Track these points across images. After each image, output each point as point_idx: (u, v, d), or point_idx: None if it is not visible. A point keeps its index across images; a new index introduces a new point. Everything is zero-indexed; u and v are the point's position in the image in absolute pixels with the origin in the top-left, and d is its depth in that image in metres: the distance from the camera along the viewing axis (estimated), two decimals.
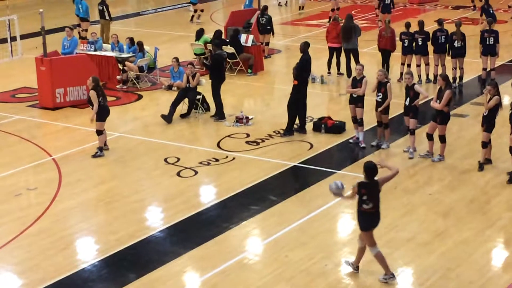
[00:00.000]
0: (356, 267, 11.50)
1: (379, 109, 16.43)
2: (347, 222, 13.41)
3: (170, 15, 34.62)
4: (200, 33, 24.10)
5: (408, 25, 21.77)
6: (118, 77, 22.32)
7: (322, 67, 22.63)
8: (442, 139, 15.86)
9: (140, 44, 22.36)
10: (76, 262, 12.12)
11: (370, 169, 11.14)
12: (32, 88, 21.62)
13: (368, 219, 11.18)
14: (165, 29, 30.92)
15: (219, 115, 18.91)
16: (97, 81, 16.45)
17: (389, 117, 16.74)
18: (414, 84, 16.09)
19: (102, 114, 16.46)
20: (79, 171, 15.84)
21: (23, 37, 22.44)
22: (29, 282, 11.45)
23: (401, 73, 21.40)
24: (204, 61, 19.05)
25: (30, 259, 12.17)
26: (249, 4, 28.24)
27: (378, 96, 16.43)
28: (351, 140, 17.16)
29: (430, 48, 21.47)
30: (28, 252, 12.41)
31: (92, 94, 16.25)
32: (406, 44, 21.65)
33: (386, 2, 28.48)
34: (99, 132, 16.53)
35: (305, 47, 17.85)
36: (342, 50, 22.47)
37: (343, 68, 22.59)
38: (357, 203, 11.23)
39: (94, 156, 16.45)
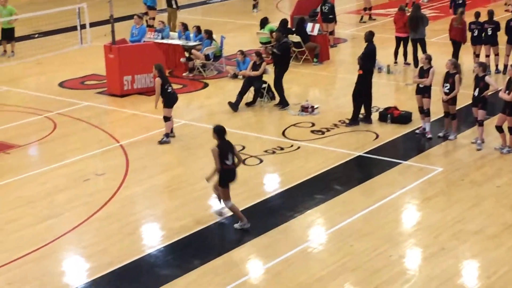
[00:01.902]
0: (246, 222, 12.60)
1: (446, 98, 16.23)
2: (412, 213, 13.31)
3: (236, 4, 34.72)
4: (264, 22, 24.12)
5: (477, 15, 21.44)
6: (182, 59, 22.47)
7: (388, 56, 22.45)
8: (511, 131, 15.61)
9: (209, 33, 22.46)
10: (142, 247, 12.29)
11: (222, 130, 12.48)
12: (101, 75, 21.96)
13: (229, 175, 12.46)
14: (230, 17, 31.04)
15: (283, 103, 18.91)
16: (160, 69, 16.56)
17: (457, 108, 16.53)
18: (484, 75, 15.85)
19: (170, 101, 16.62)
20: (146, 158, 16.04)
21: (92, 25, 22.79)
22: (96, 266, 11.66)
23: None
24: (274, 49, 19.02)
25: (98, 243, 12.38)
26: None
27: (445, 86, 16.23)
28: (417, 131, 17.00)
29: (500, 38, 21.09)
30: (96, 237, 12.64)
31: (157, 81, 16.40)
32: (475, 34, 21.33)
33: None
34: (166, 119, 16.70)
35: (369, 36, 17.72)
36: (409, 40, 22.25)
37: (410, 58, 22.36)
38: (220, 164, 12.24)
39: (161, 142, 16.63)
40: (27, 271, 11.52)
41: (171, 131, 16.93)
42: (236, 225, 12.70)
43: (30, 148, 17.02)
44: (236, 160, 12.64)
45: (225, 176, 12.50)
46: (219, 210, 13.17)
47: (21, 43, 26.25)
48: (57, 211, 13.57)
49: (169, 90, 16.57)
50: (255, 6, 32.43)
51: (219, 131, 12.50)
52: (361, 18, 29.46)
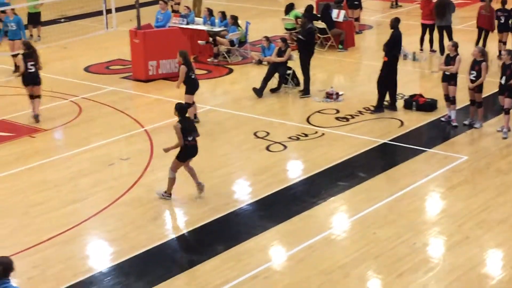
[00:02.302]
0: (169, 194, 13.22)
1: (472, 86, 16.11)
2: (436, 201, 13.25)
3: None
4: (289, 8, 24.04)
5: (504, 2, 21.24)
6: (200, 42, 22.47)
7: (414, 44, 22.31)
8: None
9: (235, 18, 22.44)
10: (166, 232, 12.35)
11: (184, 108, 13.19)
12: (126, 60, 22.02)
13: (190, 151, 13.11)
14: (255, 3, 30.95)
15: (305, 90, 18.86)
16: (185, 55, 16.56)
17: (483, 96, 16.41)
18: (511, 63, 15.70)
19: (192, 88, 16.64)
20: (170, 143, 16.00)
21: (118, 10, 22.80)
22: (120, 250, 11.73)
23: (500, 51, 20.90)
24: (299, 35, 18.95)
25: (122, 228, 12.45)
26: None
27: (471, 74, 16.11)
28: (443, 119, 16.89)
29: None
30: (120, 221, 12.71)
31: (182, 68, 16.38)
32: (502, 21, 21.15)
33: None
34: (188, 105, 16.70)
35: (395, 23, 17.61)
36: (435, 27, 22.09)
37: (435, 45, 22.20)
38: (183, 140, 12.85)
39: None
40: (51, 254, 11.61)
41: (195, 117, 16.94)
42: (158, 192, 13.35)
43: (55, 132, 17.13)
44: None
45: (186, 152, 13.14)
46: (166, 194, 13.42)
47: (47, 27, 26.38)
48: (82, 195, 13.66)
49: (192, 77, 16.58)
50: None
51: (181, 109, 13.14)
52: (391, 4, 29.34)
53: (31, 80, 17.45)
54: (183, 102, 16.65)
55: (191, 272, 11.07)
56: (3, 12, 24.61)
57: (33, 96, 17.51)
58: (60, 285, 10.81)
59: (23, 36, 21.37)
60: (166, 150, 13.43)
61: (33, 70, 17.46)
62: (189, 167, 13.45)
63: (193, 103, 16.82)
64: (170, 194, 13.32)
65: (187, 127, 13.05)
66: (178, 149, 13.18)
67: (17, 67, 21.27)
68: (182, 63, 16.51)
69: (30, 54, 17.57)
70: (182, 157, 13.19)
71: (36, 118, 17.47)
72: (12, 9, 21.87)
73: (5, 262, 7.92)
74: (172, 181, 13.26)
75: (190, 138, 13.06)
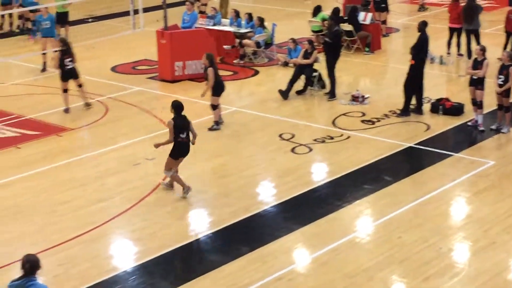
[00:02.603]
0: (187, 188, 13.42)
1: (499, 90, 16.01)
2: (462, 206, 13.17)
3: None
4: (317, 10, 24.02)
5: None
6: (225, 46, 22.52)
7: (441, 47, 22.20)
8: None
9: (261, 20, 22.46)
10: (191, 232, 12.38)
11: (179, 106, 13.17)
12: (152, 60, 22.12)
13: (181, 148, 13.25)
14: (282, 5, 30.96)
15: (331, 93, 18.83)
16: (212, 58, 16.56)
17: (511, 100, 16.29)
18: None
19: (217, 89, 16.65)
20: (195, 144, 16.07)
21: (145, 10, 22.89)
22: (145, 249, 11.77)
23: None
24: (325, 38, 18.93)
25: (147, 227, 12.51)
26: None
27: (499, 78, 16.01)
28: (469, 123, 16.80)
29: None
30: (145, 220, 12.76)
31: (211, 71, 16.39)
32: None
33: None
34: (214, 107, 16.76)
35: (422, 26, 17.53)
36: (463, 31, 21.97)
37: (463, 49, 22.09)
38: (174, 136, 13.08)
39: (211, 129, 16.71)
40: (77, 253, 11.69)
41: (220, 118, 16.98)
42: (180, 195, 13.49)
43: (82, 131, 17.25)
44: (191, 136, 13.47)
45: (177, 149, 13.30)
46: (168, 183, 13.82)
47: (74, 27, 26.54)
48: (108, 194, 13.73)
49: (217, 79, 16.61)
50: None
51: (177, 107, 13.24)
52: (419, 7, 29.27)
53: (69, 75, 18.15)
54: (210, 103, 16.76)
55: (216, 272, 11.08)
56: (34, 11, 24.93)
57: (67, 91, 18.22)
58: (85, 283, 10.87)
59: (55, 34, 21.69)
60: (157, 146, 13.68)
61: (70, 66, 18.07)
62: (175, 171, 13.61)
63: (219, 105, 16.84)
64: (188, 187, 13.46)
65: (180, 124, 13.19)
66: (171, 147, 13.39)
67: (46, 65, 21.54)
68: (209, 66, 16.51)
69: (67, 50, 18.09)
70: (174, 154, 13.36)
71: (88, 105, 18.35)
72: (46, 8, 22.13)
73: (32, 260, 7.98)
74: (174, 178, 13.45)
75: (183, 136, 13.24)
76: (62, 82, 18.22)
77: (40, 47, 22.32)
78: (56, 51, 21.07)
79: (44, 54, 21.76)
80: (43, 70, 21.78)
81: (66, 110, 18.22)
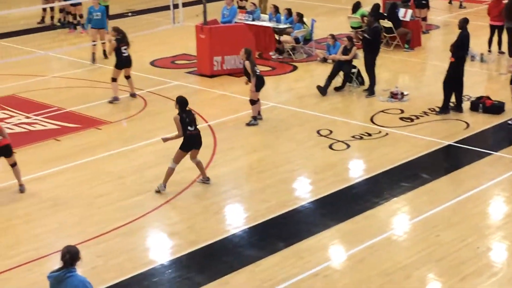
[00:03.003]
0: (206, 178, 13.71)
1: None
2: (501, 206, 13.05)
3: None
4: (357, 6, 23.92)
5: None
6: (271, 53, 22.56)
7: (482, 45, 21.99)
8: None
9: (300, 16, 22.43)
10: (228, 227, 12.42)
11: (184, 102, 13.32)
12: (191, 55, 22.20)
13: (192, 140, 13.33)
14: (321, 1, 30.87)
15: (370, 90, 18.75)
16: (249, 53, 16.59)
17: None
18: None
19: (257, 84, 16.67)
20: (233, 139, 16.17)
21: (184, 4, 23.00)
22: (182, 243, 11.84)
23: None
24: (365, 34, 18.84)
25: (184, 221, 12.57)
26: None
27: None
28: (510, 122, 16.62)
29: None
30: (182, 214, 12.83)
31: (247, 64, 16.46)
32: None
33: None
34: (253, 102, 16.78)
35: (463, 23, 17.37)
36: (504, 29, 21.73)
37: (504, 47, 21.84)
38: (183, 130, 13.17)
39: (248, 124, 16.73)
40: (115, 245, 11.79)
41: (259, 114, 17.00)
42: (158, 186, 13.51)
43: (120, 124, 17.37)
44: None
45: (188, 142, 13.37)
46: (203, 179, 13.91)
47: (114, 21, 26.69)
48: (146, 188, 13.81)
49: (257, 73, 16.63)
50: None
51: (181, 102, 13.35)
52: (460, 4, 29.03)
53: (126, 63, 18.61)
54: (249, 98, 16.75)
55: (252, 267, 11.11)
56: (75, 5, 25.19)
57: (116, 80, 18.59)
58: (122, 275, 10.96)
59: (106, 26, 21.92)
60: (165, 140, 13.74)
61: (126, 54, 18.54)
62: (196, 160, 13.68)
63: (258, 100, 16.86)
64: (165, 186, 13.52)
65: (186, 118, 13.25)
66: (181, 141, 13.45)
67: (95, 57, 21.78)
68: (245, 59, 16.53)
69: (122, 38, 18.53)
70: (185, 147, 13.40)
71: (134, 96, 18.80)
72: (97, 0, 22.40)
73: (73, 251, 8.07)
74: (170, 171, 13.46)
75: (191, 128, 13.31)
76: (116, 70, 18.55)
77: (89, 38, 22.54)
78: (103, 42, 21.53)
79: (94, 45, 22.01)
80: (93, 61, 21.99)
81: (116, 99, 18.53)
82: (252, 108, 16.86)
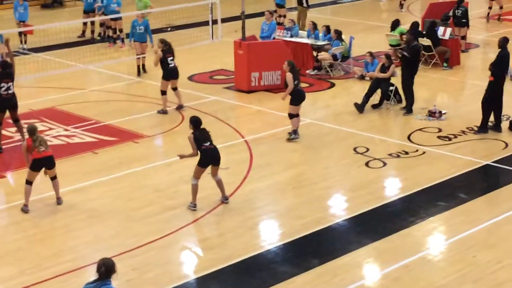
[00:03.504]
0: (225, 197, 13.69)
1: None
2: None
3: (366, 5, 34.45)
4: (395, 24, 23.88)
5: None
6: (307, 71, 22.58)
7: None
8: None
9: (338, 33, 22.43)
10: (262, 242, 12.42)
11: (198, 121, 13.47)
12: (229, 70, 22.29)
13: (208, 155, 13.34)
14: (360, 18, 30.86)
15: (408, 108, 18.67)
16: (292, 65, 16.65)
17: None
18: None
19: (296, 99, 16.67)
20: (269, 154, 16.18)
21: (223, 20, 23.13)
22: (216, 258, 11.86)
23: None
24: (404, 52, 18.78)
25: (219, 236, 12.61)
26: None
27: None
28: None
29: None
30: (217, 230, 12.87)
31: (288, 76, 16.46)
32: None
33: None
34: (291, 116, 16.75)
35: (503, 42, 17.25)
36: None
37: None
38: (198, 147, 13.22)
39: (289, 139, 16.65)
40: (150, 258, 11.85)
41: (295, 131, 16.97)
42: (189, 206, 13.53)
43: (158, 138, 17.50)
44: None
45: (204, 157, 13.38)
46: (222, 198, 13.86)
47: (154, 35, 26.87)
48: (181, 202, 13.87)
49: (298, 88, 16.64)
50: (401, 5, 32.30)
51: (195, 122, 13.50)
52: (498, 18, 28.96)
53: (172, 74, 18.80)
54: (288, 112, 16.71)
55: (285, 284, 11.09)
56: (115, 19, 25.50)
57: (165, 92, 18.81)
58: None
59: (150, 39, 22.06)
60: (181, 157, 13.76)
61: (172, 64, 18.70)
62: (217, 177, 13.67)
63: (297, 115, 16.84)
64: (195, 204, 13.50)
65: (200, 136, 13.33)
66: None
67: (140, 70, 21.97)
68: (287, 72, 16.53)
69: (168, 49, 18.65)
70: (202, 163, 13.40)
71: (181, 107, 19.08)
72: (142, 14, 22.52)
73: (108, 264, 8.13)
74: (194, 188, 13.46)
75: (206, 144, 13.33)
76: (164, 81, 18.75)
77: (128, 52, 22.71)
78: (144, 56, 21.64)
79: (138, 58, 22.21)
80: (139, 74, 22.21)
81: (164, 112, 18.78)
82: (291, 122, 16.80)
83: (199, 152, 13.38)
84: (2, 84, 15.98)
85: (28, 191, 13.41)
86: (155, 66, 18.94)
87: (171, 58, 18.64)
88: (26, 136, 13.81)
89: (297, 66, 22.16)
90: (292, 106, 16.71)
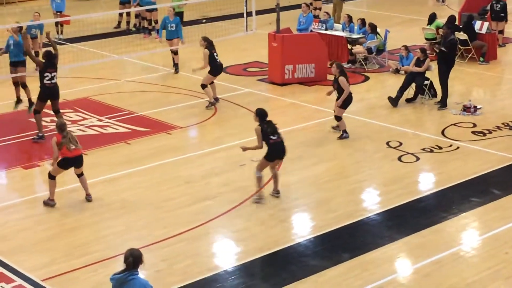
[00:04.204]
0: (277, 191, 13.51)
1: None
2: None
3: None
4: (432, 18, 23.65)
5: None
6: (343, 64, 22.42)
7: None
8: None
9: (373, 27, 22.28)
10: (293, 235, 12.38)
11: (264, 114, 13.21)
12: (263, 63, 22.25)
13: (276, 149, 13.20)
14: (397, 11, 30.62)
15: (442, 103, 18.48)
16: (341, 67, 16.32)
17: None
18: None
19: (346, 102, 16.34)
20: (302, 147, 16.12)
21: (258, 12, 23.05)
22: (247, 250, 11.85)
23: None
24: (441, 47, 18.55)
25: (250, 228, 12.58)
26: None
27: None
28: None
29: None
30: (248, 221, 12.84)
31: (342, 80, 16.08)
32: None
33: None
34: (338, 118, 16.45)
35: None
36: None
37: None
38: (266, 141, 13.10)
39: (340, 137, 16.40)
40: (180, 249, 11.87)
41: (345, 131, 16.59)
42: (255, 199, 13.40)
43: (190, 130, 17.53)
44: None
45: (272, 150, 13.23)
46: (274, 191, 13.71)
47: (189, 27, 26.97)
48: (213, 193, 13.89)
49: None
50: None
51: (261, 114, 13.25)
52: None
53: (220, 69, 18.92)
54: (335, 115, 16.37)
55: (316, 277, 11.04)
56: (150, 10, 25.58)
57: (209, 84, 18.82)
58: (186, 280, 11.03)
59: (180, 36, 21.94)
60: (244, 149, 13.62)
61: (218, 60, 18.74)
62: (275, 171, 13.59)
63: (341, 119, 16.58)
64: (261, 196, 13.46)
65: (267, 129, 13.16)
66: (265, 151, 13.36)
67: (176, 65, 21.93)
68: (339, 75, 16.18)
69: (211, 45, 18.66)
70: (269, 156, 13.29)
71: (217, 100, 18.93)
72: (173, 10, 22.40)
73: (136, 254, 8.12)
74: (259, 179, 13.37)
75: (274, 137, 13.18)
76: (210, 76, 18.71)
77: (162, 45, 22.67)
78: (176, 54, 21.50)
79: (174, 53, 22.04)
80: (176, 71, 22.07)
81: (213, 103, 18.74)
82: (339, 124, 16.54)
83: (265, 144, 13.25)
84: (46, 74, 16.11)
85: (53, 185, 13.32)
86: (205, 67, 18.65)
87: (216, 53, 18.62)
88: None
89: (332, 59, 22.19)
90: (341, 109, 16.38)
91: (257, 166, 13.42)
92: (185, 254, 11.72)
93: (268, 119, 13.35)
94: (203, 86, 18.71)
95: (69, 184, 14.11)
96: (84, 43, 25.64)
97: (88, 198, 13.59)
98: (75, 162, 13.30)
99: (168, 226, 12.64)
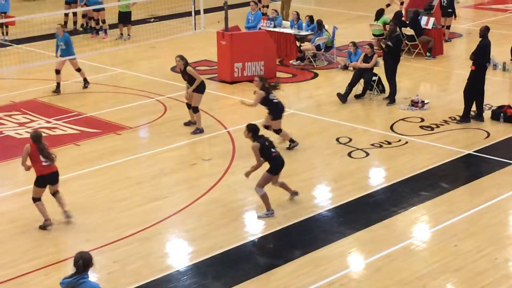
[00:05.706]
0: (295, 192, 13.42)
1: None
2: None
3: None
4: (379, 14, 23.85)
5: None
6: (291, 61, 22.47)
7: (505, 54, 21.80)
8: None
9: (320, 23, 22.40)
10: (244, 234, 12.39)
11: (256, 129, 12.83)
12: (212, 61, 22.22)
13: (281, 161, 12.95)
14: (344, 8, 30.83)
15: (391, 98, 18.66)
16: (264, 81, 15.71)
17: None
18: None
19: (276, 111, 15.80)
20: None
21: (206, 11, 23.02)
22: (198, 250, 11.83)
23: None
24: (388, 42, 18.72)
25: (201, 228, 12.56)
26: None
27: None
28: None
29: None
30: (199, 221, 12.82)
31: (261, 94, 15.57)
32: None
33: None
34: (279, 131, 16.07)
35: (484, 31, 17.25)
36: None
37: None
38: (266, 155, 12.75)
39: (290, 148, 15.99)
40: (132, 250, 11.80)
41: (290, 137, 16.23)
42: (260, 214, 12.92)
43: (140, 130, 17.42)
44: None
45: (276, 163, 12.95)
46: (292, 195, 13.52)
47: (137, 26, 26.80)
48: (163, 193, 13.84)
49: (274, 100, 15.76)
50: None
51: (254, 130, 12.87)
52: None
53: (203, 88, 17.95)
54: (274, 129, 15.90)
55: (267, 275, 11.07)
56: (98, 10, 25.36)
57: None
58: (139, 281, 10.97)
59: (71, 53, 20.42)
60: (247, 174, 13.20)
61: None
62: (279, 182, 13.30)
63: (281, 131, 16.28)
64: (271, 209, 12.94)
65: (265, 142, 12.85)
66: (266, 166, 12.95)
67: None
68: (260, 88, 15.66)
69: (186, 63, 17.78)
70: (274, 170, 12.98)
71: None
72: (63, 28, 20.91)
73: (86, 257, 8.08)
74: (265, 196, 12.87)
75: (274, 150, 12.94)
76: (200, 94, 16.98)
77: (115, 43, 22.32)
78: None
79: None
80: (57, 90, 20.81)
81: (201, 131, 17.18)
82: (283, 136, 16.02)
83: (266, 160, 12.87)
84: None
85: (40, 206, 12.53)
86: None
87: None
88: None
89: (281, 56, 22.26)
90: (276, 121, 15.86)
91: (258, 184, 12.87)
92: (137, 255, 11.66)
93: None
94: (195, 109, 17.05)
95: (17, 188, 13.92)
96: (30, 44, 25.32)
97: (67, 215, 12.73)
98: (50, 179, 12.61)
99: (120, 227, 12.56)
